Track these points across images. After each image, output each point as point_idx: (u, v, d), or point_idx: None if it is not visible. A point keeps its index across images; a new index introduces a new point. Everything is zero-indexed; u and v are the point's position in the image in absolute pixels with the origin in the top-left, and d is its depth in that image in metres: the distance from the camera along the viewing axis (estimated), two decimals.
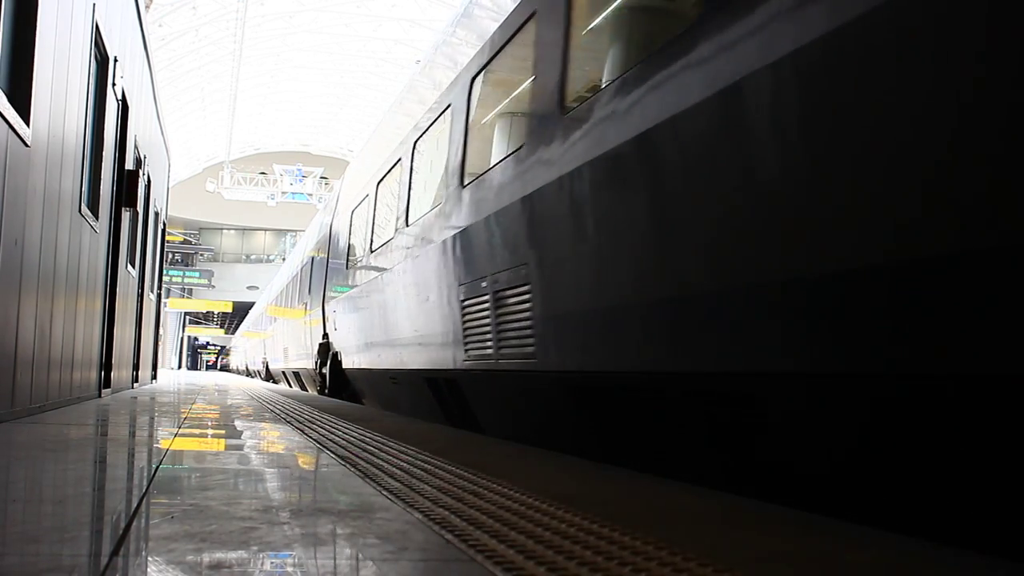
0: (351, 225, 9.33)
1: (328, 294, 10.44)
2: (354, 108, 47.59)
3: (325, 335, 10.62)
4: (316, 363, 11.26)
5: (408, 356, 6.49)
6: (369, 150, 9.29)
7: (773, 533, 1.68)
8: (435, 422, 5.83)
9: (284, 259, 38.50)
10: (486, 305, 4.62)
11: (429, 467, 2.61)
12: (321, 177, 49.62)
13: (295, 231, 53.89)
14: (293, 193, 49.97)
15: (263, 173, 50.87)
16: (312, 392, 12.43)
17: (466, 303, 4.96)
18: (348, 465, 2.64)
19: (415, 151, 6.68)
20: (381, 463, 2.70)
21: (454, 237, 5.14)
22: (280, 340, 17.52)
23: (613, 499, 2.06)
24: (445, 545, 1.49)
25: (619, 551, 1.45)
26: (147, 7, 12.61)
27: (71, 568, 1.26)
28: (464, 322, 5.00)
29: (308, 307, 12.42)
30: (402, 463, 2.70)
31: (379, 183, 8.03)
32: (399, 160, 7.17)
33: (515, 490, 2.14)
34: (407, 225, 6.47)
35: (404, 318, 6.52)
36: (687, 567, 1.35)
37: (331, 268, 10.44)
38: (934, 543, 1.62)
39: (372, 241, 7.99)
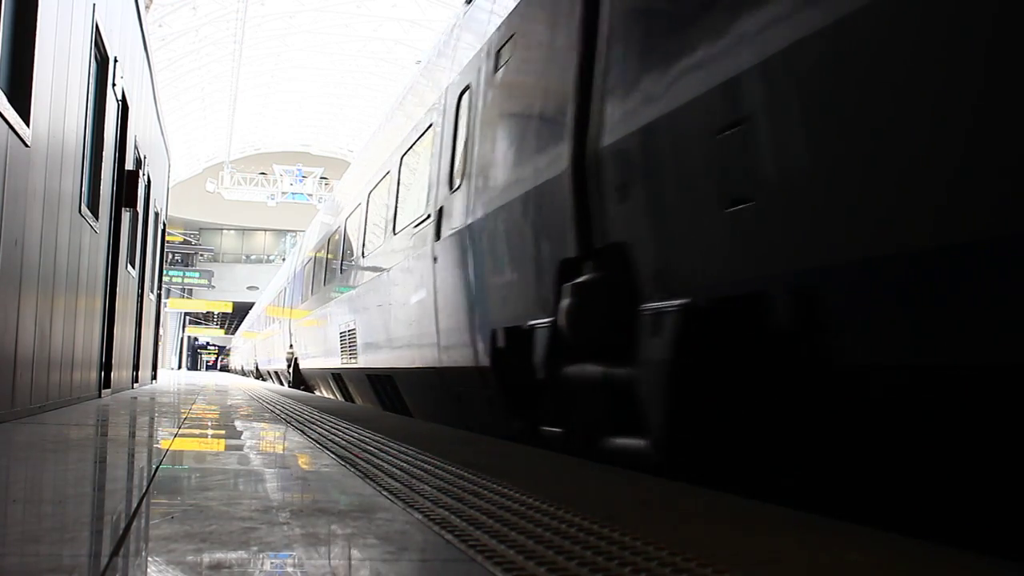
0: None
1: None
2: (354, 108, 47.58)
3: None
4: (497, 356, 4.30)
5: None
6: None
7: (774, 533, 1.68)
8: None
9: (284, 259, 38.04)
10: None
11: (429, 467, 2.61)
12: (321, 177, 49.60)
13: (295, 231, 53.87)
14: (293, 193, 49.95)
15: (263, 173, 50.84)
16: (428, 425, 4.88)
17: None
18: (348, 465, 2.64)
19: None
20: (381, 463, 2.69)
21: None
22: (327, 321, 10.53)
23: (613, 499, 2.06)
24: (445, 545, 1.48)
25: (619, 551, 1.45)
26: (147, 7, 12.62)
27: (71, 568, 1.26)
28: None
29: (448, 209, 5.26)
30: (402, 463, 2.70)
31: None
32: None
33: (515, 490, 2.14)
34: None
35: None
36: (687, 567, 1.35)
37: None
38: (935, 543, 1.62)
39: None
